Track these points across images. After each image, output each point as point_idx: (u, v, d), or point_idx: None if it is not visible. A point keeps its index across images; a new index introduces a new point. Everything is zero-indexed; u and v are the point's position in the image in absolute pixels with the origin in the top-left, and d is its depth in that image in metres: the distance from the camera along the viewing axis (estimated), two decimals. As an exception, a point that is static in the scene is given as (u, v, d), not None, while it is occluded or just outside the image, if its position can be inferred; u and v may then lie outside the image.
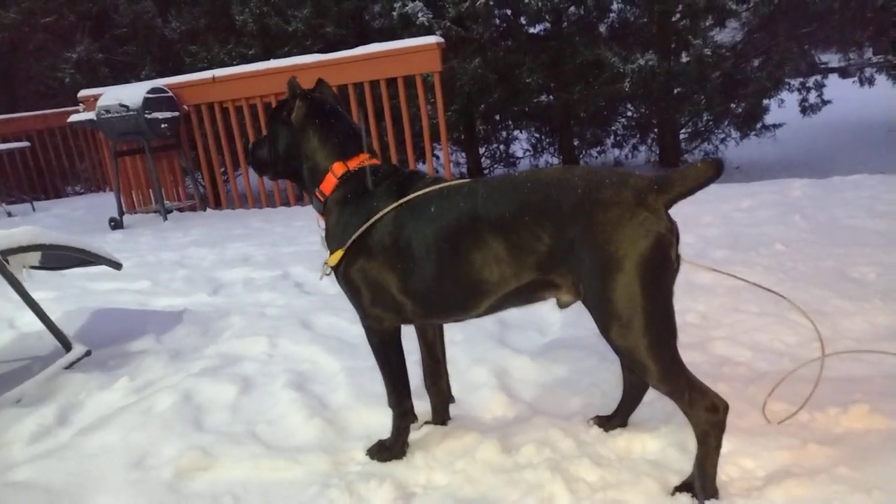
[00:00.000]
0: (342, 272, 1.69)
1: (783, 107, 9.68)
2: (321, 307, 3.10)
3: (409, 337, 1.82)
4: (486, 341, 2.51)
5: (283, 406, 2.13)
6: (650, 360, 1.42)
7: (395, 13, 7.39)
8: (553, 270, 1.48)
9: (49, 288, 3.70)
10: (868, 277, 2.83)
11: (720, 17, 7.98)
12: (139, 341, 2.86)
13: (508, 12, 8.51)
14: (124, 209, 6.50)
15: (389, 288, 1.64)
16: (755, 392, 1.92)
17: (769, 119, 9.19)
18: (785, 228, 3.72)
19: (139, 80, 7.95)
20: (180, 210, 6.70)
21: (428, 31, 6.99)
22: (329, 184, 1.73)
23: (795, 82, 9.97)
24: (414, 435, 1.85)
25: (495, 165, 10.01)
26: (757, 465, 1.60)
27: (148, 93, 5.91)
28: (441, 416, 1.95)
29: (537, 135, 9.94)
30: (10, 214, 7.71)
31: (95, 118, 6.04)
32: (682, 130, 9.63)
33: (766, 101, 9.02)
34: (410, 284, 1.61)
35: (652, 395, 1.81)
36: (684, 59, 8.13)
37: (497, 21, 8.52)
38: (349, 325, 2.80)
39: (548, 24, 8.61)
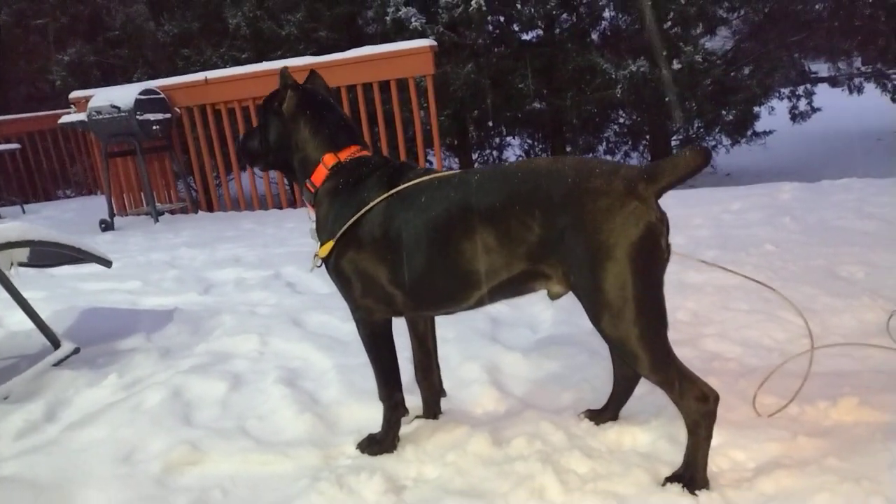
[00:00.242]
0: (332, 263, 1.69)
1: (773, 114, 9.75)
2: (313, 306, 3.09)
3: (400, 334, 1.81)
4: (477, 338, 2.51)
5: (273, 402, 2.12)
6: (641, 349, 1.42)
7: (388, 18, 7.40)
8: (543, 260, 1.48)
9: (39, 287, 3.66)
10: (856, 276, 2.86)
11: (711, 25, 8.06)
12: (129, 339, 2.84)
13: (501, 18, 8.55)
14: (115, 211, 6.46)
15: (380, 279, 1.64)
16: (745, 386, 1.93)
17: (759, 126, 9.25)
18: (774, 230, 3.74)
19: (131, 83, 7.92)
20: (171, 212, 6.67)
21: (421, 36, 7.00)
22: (320, 175, 1.73)
23: (786, 90, 10.06)
24: (405, 429, 1.85)
25: (488, 171, 10.02)
26: (747, 457, 1.61)
27: (139, 94, 5.89)
28: (432, 410, 1.95)
29: (530, 141, 9.97)
30: (-1, 216, 7.67)
31: (86, 119, 6.01)
32: (674, 137, 9.68)
33: (756, 109, 9.07)
34: (401, 275, 1.61)
35: (643, 389, 1.82)
36: (675, 65, 8.19)
37: (490, 27, 8.55)
38: (341, 324, 2.79)
39: (540, 31, 8.66)
